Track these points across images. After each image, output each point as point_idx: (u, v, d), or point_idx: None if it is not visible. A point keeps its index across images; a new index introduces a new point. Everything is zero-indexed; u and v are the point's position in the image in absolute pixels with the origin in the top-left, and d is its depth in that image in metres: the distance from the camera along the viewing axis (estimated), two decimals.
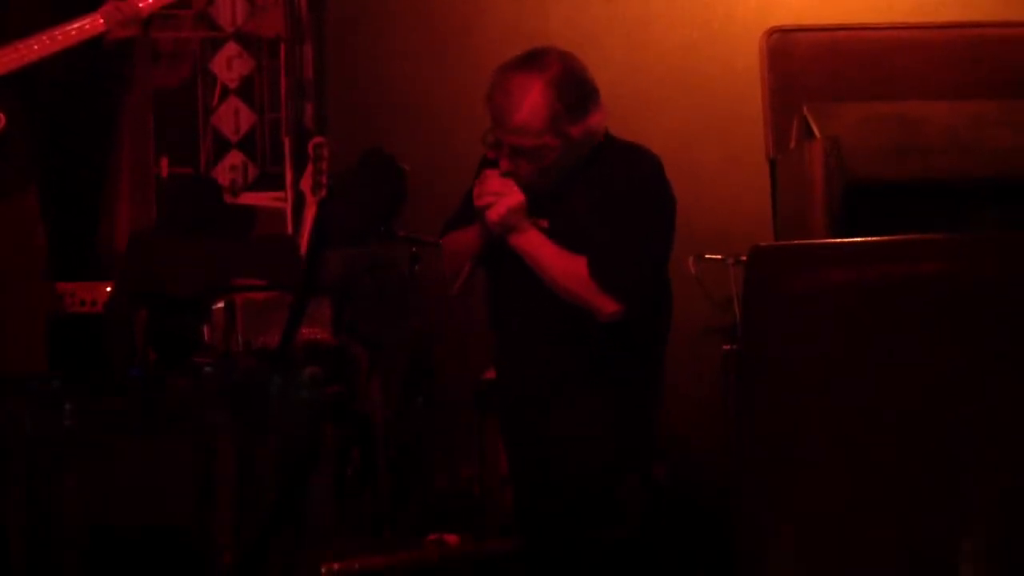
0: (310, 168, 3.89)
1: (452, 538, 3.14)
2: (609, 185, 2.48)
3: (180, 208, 4.06)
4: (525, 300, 2.54)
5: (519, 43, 4.49)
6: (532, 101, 2.44)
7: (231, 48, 4.45)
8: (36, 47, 2.86)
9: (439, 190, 4.25)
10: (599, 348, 2.49)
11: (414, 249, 3.87)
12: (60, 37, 2.87)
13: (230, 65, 4.44)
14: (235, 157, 4.43)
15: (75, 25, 2.87)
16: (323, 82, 4.49)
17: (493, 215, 2.49)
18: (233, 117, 4.43)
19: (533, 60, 2.48)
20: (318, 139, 3.94)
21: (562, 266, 2.46)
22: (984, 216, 3.01)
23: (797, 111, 3.35)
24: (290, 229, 4.28)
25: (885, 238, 2.20)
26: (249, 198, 4.42)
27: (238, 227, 4.26)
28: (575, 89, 2.46)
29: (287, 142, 4.44)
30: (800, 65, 3.60)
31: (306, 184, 3.93)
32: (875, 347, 2.10)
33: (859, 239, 2.24)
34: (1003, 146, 3.14)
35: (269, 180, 4.45)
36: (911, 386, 2.07)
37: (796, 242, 3.05)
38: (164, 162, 4.26)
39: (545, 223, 2.52)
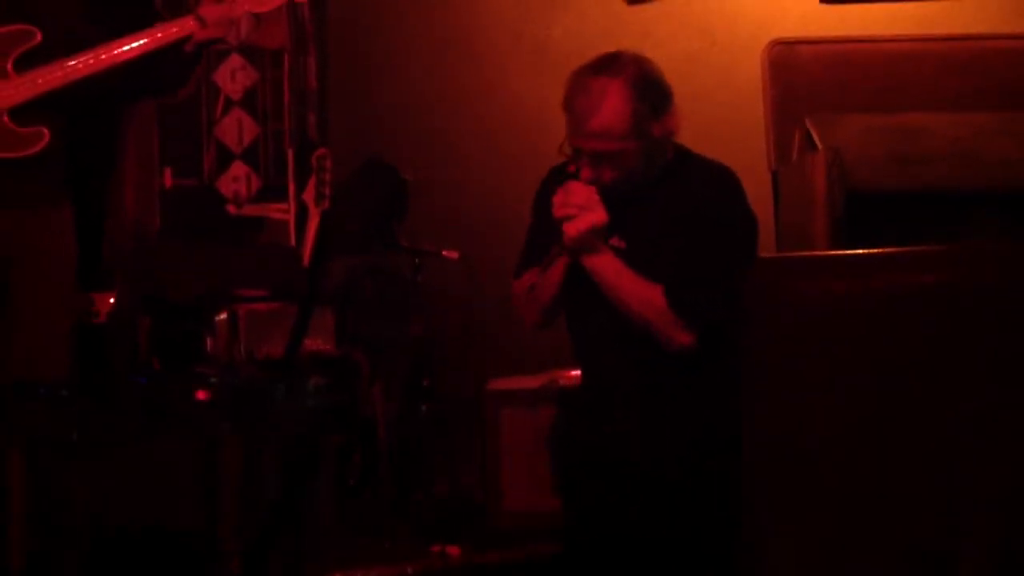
0: (313, 179, 3.91)
1: (454, 550, 3.15)
2: (690, 204, 2.40)
3: (184, 219, 4.07)
4: (606, 318, 2.43)
5: (522, 54, 4.53)
6: (613, 103, 2.35)
7: (234, 60, 4.46)
8: (77, 66, 2.87)
9: (441, 200, 4.27)
10: (683, 366, 2.39)
11: (416, 259, 3.88)
12: (160, 36, 2.84)
13: (233, 77, 4.46)
14: (239, 168, 4.44)
15: (174, 25, 2.85)
16: (326, 93, 4.50)
17: (573, 230, 2.37)
18: (236, 128, 4.44)
19: (609, 63, 2.41)
20: (321, 150, 3.96)
21: (638, 294, 2.38)
22: (985, 226, 3.01)
23: (799, 123, 3.35)
24: (293, 240, 4.29)
25: (887, 249, 2.21)
26: (253, 210, 4.43)
27: (240, 238, 4.27)
28: (653, 89, 2.40)
29: (290, 153, 4.45)
30: (802, 77, 3.61)
31: (309, 195, 3.94)
32: (877, 358, 2.10)
33: (861, 250, 2.25)
34: (1004, 157, 3.14)
35: (272, 191, 4.46)
36: (913, 396, 2.08)
37: (798, 253, 3.05)
38: (168, 173, 4.27)
39: (622, 244, 2.42)
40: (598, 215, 2.38)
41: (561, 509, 2.52)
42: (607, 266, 2.39)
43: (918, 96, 3.52)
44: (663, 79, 2.43)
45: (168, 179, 4.26)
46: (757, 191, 3.14)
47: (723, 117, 3.98)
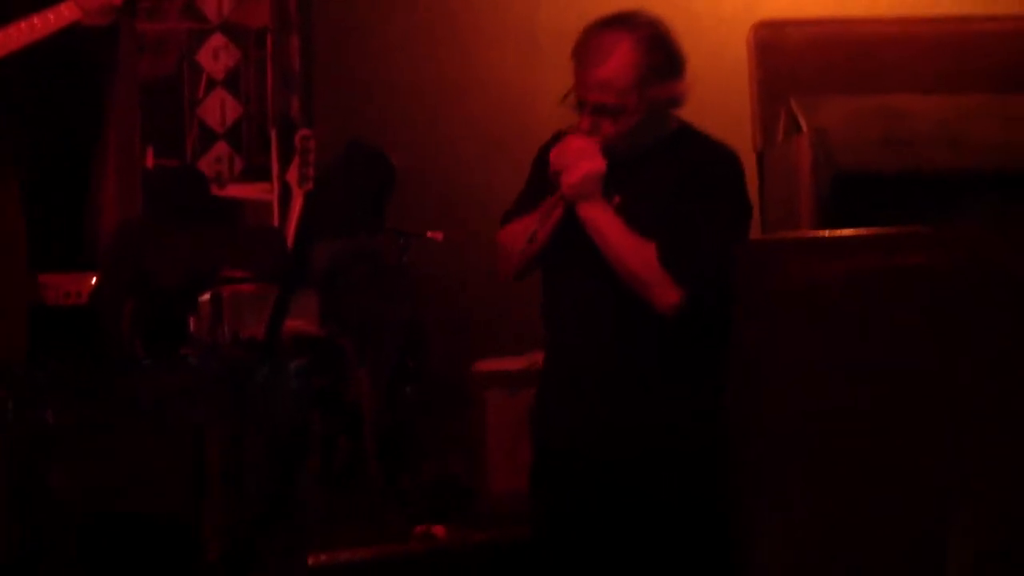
0: (296, 160, 3.88)
1: (439, 530, 3.15)
2: (689, 173, 2.39)
3: (166, 199, 4.04)
4: (585, 286, 2.42)
5: (508, 34, 4.51)
6: (619, 56, 2.35)
7: (217, 39, 4.43)
8: (13, 36, 2.83)
9: (427, 181, 4.25)
10: (661, 341, 2.37)
11: (402, 240, 3.87)
12: (38, 24, 2.85)
13: (216, 56, 4.43)
14: (221, 148, 4.42)
15: (50, 13, 2.84)
16: (310, 73, 4.48)
17: (571, 178, 2.36)
18: (219, 109, 4.42)
19: (625, 18, 2.39)
20: (304, 131, 3.93)
21: (631, 247, 2.36)
22: (972, 208, 3.02)
23: (784, 104, 3.35)
24: (276, 221, 4.27)
25: (873, 231, 2.21)
26: (236, 190, 4.41)
27: (223, 219, 4.25)
28: (663, 52, 2.39)
29: (273, 134, 4.43)
30: (788, 58, 3.61)
31: (292, 176, 3.92)
32: (863, 339, 2.10)
33: (847, 232, 2.24)
34: (991, 139, 3.15)
35: (255, 172, 4.44)
36: (900, 378, 2.08)
37: (783, 235, 3.05)
38: (150, 153, 4.25)
39: (617, 200, 2.40)
40: (596, 162, 2.37)
41: (529, 495, 2.52)
42: (601, 217, 2.38)
43: (904, 78, 3.52)
44: (677, 46, 2.43)
45: (150, 159, 4.23)
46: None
47: (708, 99, 3.94)
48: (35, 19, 2.86)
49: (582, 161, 2.37)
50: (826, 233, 2.50)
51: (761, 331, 2.20)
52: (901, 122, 3.18)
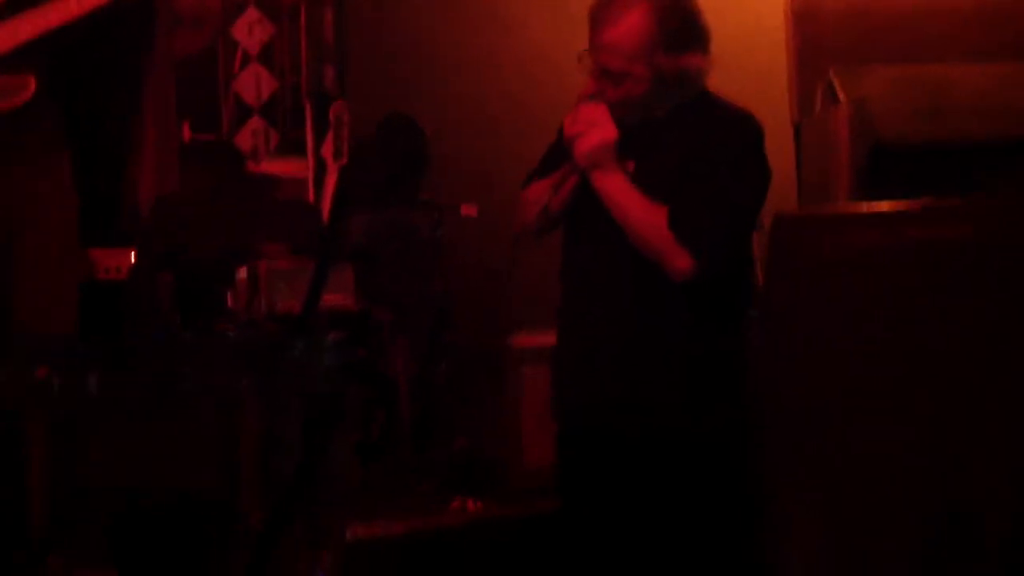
0: (331, 134, 3.89)
1: (475, 503, 3.16)
2: (705, 141, 2.36)
3: (202, 174, 4.06)
4: (603, 254, 2.41)
5: (543, 8, 4.48)
6: (630, 21, 2.32)
7: (251, 14, 4.43)
8: (56, 11, 2.85)
9: (461, 153, 4.24)
10: (678, 313, 2.36)
11: (436, 213, 3.86)
12: (74, 2, 2.86)
13: (251, 31, 4.43)
14: (257, 123, 4.43)
15: None
16: (344, 46, 4.47)
17: (583, 146, 2.36)
18: (254, 83, 4.42)
19: None
20: (339, 105, 3.94)
21: (642, 214, 2.35)
22: (1012, 179, 2.97)
23: (823, 74, 3.31)
24: (312, 195, 4.28)
25: (911, 203, 2.18)
26: (271, 164, 4.42)
27: (259, 193, 4.27)
28: (678, 22, 2.34)
29: (308, 107, 4.43)
30: (826, 28, 3.56)
31: (327, 150, 3.92)
32: (900, 312, 2.08)
33: (884, 204, 2.22)
34: None
35: (290, 145, 4.44)
36: (936, 349, 2.06)
37: (820, 208, 3.03)
38: (186, 128, 4.26)
39: (631, 166, 2.39)
40: (607, 131, 2.36)
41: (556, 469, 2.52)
42: (614, 184, 2.37)
43: (943, 47, 3.47)
44: (698, 18, 2.39)
45: (187, 133, 4.25)
46: (779, 143, 3.11)
47: (745, 68, 3.91)
48: None
49: (593, 129, 2.36)
50: (865, 205, 2.47)
51: (795, 304, 2.18)
52: (941, 92, 3.13)
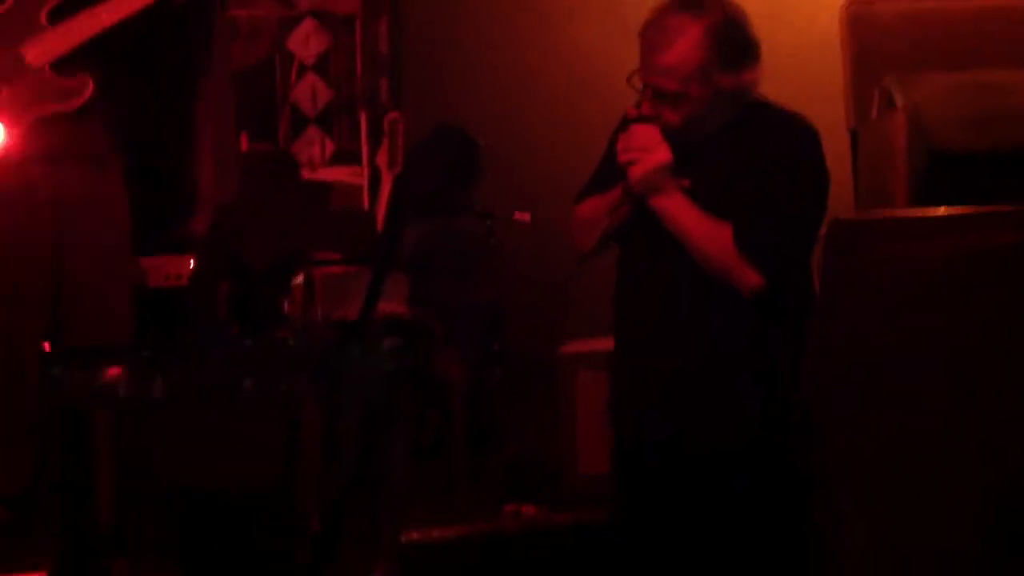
0: (386, 143, 3.93)
1: (529, 509, 3.17)
2: (761, 151, 2.34)
3: (260, 183, 4.12)
4: (661, 268, 2.39)
5: (592, 15, 4.49)
6: (684, 44, 2.29)
7: (308, 25, 4.49)
8: (108, 11, 2.87)
9: (514, 164, 4.26)
10: (739, 323, 2.33)
11: (488, 222, 3.89)
12: (125, 2, 2.88)
13: (307, 42, 4.49)
14: (312, 133, 4.48)
15: None
16: (398, 57, 4.51)
17: (637, 172, 2.34)
18: (310, 93, 4.48)
19: (695, 2, 2.32)
20: (393, 114, 3.98)
21: (706, 232, 2.32)
22: None
23: (878, 80, 3.29)
24: (367, 204, 4.32)
25: (967, 210, 2.16)
26: (327, 173, 4.47)
27: (315, 202, 4.32)
28: (733, 40, 2.32)
29: (363, 117, 4.48)
30: (881, 34, 3.54)
31: (382, 159, 3.96)
32: (960, 322, 2.06)
33: (941, 211, 2.20)
34: None
35: (345, 155, 4.50)
36: (992, 357, 2.04)
37: (876, 214, 3.00)
38: (244, 138, 4.33)
39: (687, 183, 2.36)
40: (661, 154, 2.34)
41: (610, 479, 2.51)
42: (674, 205, 2.35)
43: (1001, 53, 3.43)
44: (749, 31, 2.35)
45: (245, 144, 4.32)
46: (835, 150, 3.10)
47: (800, 75, 3.91)
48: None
49: (647, 154, 2.33)
50: (921, 211, 2.45)
51: (851, 311, 2.17)
52: (998, 98, 3.10)
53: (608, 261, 2.59)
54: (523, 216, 3.93)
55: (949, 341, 2.07)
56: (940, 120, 3.02)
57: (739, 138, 2.37)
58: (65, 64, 2.86)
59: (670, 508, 2.38)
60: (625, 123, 2.43)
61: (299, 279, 3.38)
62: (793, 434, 2.29)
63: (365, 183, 4.36)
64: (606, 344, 3.57)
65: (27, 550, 2.61)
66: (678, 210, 2.35)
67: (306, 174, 4.38)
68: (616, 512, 2.52)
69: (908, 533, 2.02)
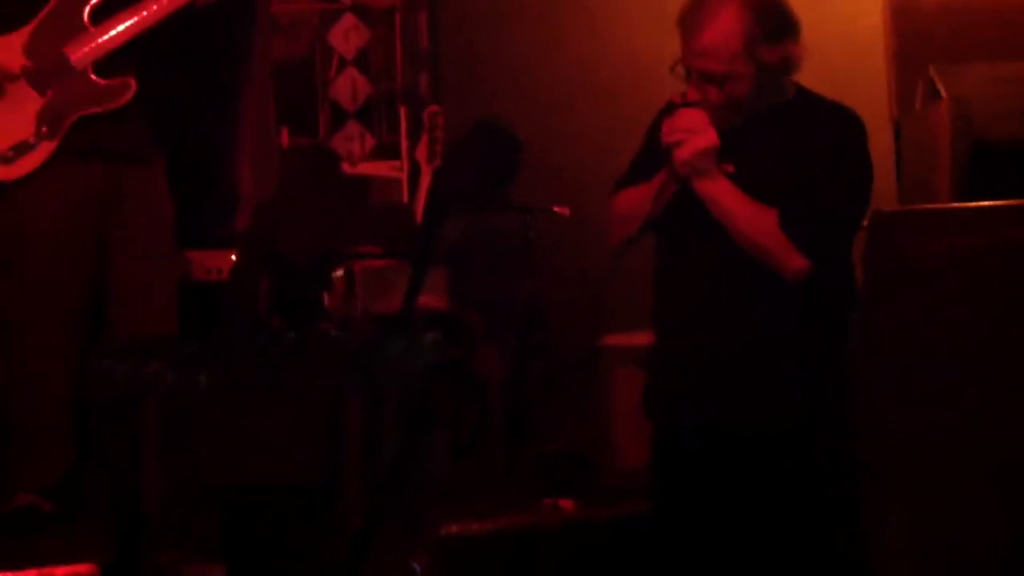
0: (425, 137, 3.93)
1: (567, 503, 3.16)
2: (807, 139, 2.33)
3: (300, 178, 4.14)
4: (704, 256, 2.37)
5: (635, 11, 4.47)
6: (726, 21, 2.27)
7: (348, 20, 4.51)
8: (148, 10, 2.88)
9: (553, 158, 4.26)
10: (782, 314, 2.32)
11: (527, 216, 3.89)
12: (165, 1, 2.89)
13: (347, 37, 4.51)
14: (352, 127, 4.50)
15: None
16: (438, 51, 4.52)
17: (683, 154, 2.31)
18: (350, 88, 4.50)
19: None
20: (433, 108, 3.98)
21: (752, 217, 2.31)
22: None
23: (922, 71, 3.26)
24: (406, 198, 4.34)
25: (1012, 202, 2.13)
26: (367, 167, 4.49)
27: (355, 196, 4.34)
28: (774, 14, 2.30)
29: (403, 112, 4.49)
30: (925, 24, 3.50)
31: (421, 153, 3.97)
32: (999, 310, 2.04)
33: (985, 203, 2.18)
34: None
35: (385, 149, 4.51)
36: None
37: (920, 206, 2.97)
38: (284, 133, 4.36)
39: (731, 168, 2.35)
40: (708, 137, 2.31)
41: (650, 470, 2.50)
42: (719, 189, 2.33)
43: None
44: (787, 7, 2.35)
45: (285, 138, 4.34)
46: (878, 140, 3.07)
47: (843, 65, 3.87)
48: None
49: (693, 136, 2.32)
50: (965, 205, 2.43)
51: (893, 303, 2.15)
52: None
53: (646, 255, 2.58)
54: (562, 210, 3.92)
55: (991, 334, 2.04)
56: (984, 111, 2.99)
57: (785, 126, 2.36)
58: (107, 64, 2.89)
59: (708, 493, 2.37)
60: (670, 107, 2.42)
61: (339, 273, 3.40)
62: (832, 423, 2.28)
63: (405, 177, 4.37)
64: (645, 338, 3.56)
65: (71, 541, 2.64)
66: (723, 193, 2.33)
67: (346, 168, 4.40)
68: (654, 498, 2.51)
69: (948, 523, 2.00)
